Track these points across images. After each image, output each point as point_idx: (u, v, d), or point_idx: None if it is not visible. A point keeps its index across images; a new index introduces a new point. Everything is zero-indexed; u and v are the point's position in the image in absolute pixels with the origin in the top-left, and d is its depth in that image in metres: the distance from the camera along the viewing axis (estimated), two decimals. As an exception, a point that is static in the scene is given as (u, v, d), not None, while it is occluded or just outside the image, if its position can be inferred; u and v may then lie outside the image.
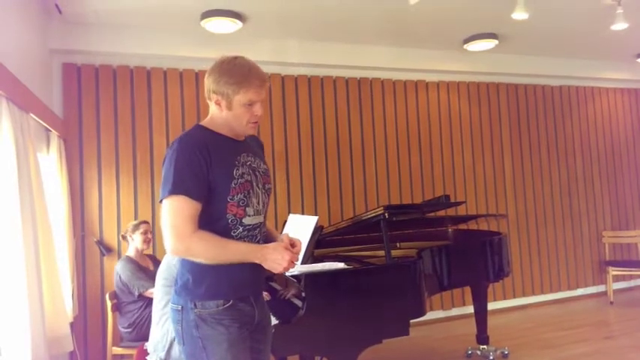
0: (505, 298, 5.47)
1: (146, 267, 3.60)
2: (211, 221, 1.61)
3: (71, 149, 4.06)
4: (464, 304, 5.20)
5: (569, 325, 4.67)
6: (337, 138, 4.94)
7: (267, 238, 1.81)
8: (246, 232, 1.67)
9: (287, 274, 2.51)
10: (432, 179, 5.27)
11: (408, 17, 4.26)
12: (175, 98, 4.41)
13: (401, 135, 5.18)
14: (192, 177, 1.55)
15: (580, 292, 5.85)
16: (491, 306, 5.27)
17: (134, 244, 3.60)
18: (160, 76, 4.37)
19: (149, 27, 4.18)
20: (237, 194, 1.63)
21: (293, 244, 1.68)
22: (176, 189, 1.54)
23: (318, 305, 2.33)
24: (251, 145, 1.81)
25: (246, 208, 1.66)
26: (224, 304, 1.62)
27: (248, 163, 1.70)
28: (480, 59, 5.32)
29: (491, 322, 4.10)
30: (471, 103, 5.52)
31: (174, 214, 1.54)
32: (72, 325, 3.68)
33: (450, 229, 4.30)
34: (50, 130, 3.61)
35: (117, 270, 3.49)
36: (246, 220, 1.67)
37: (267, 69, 4.65)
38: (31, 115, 2.95)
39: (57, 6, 3.67)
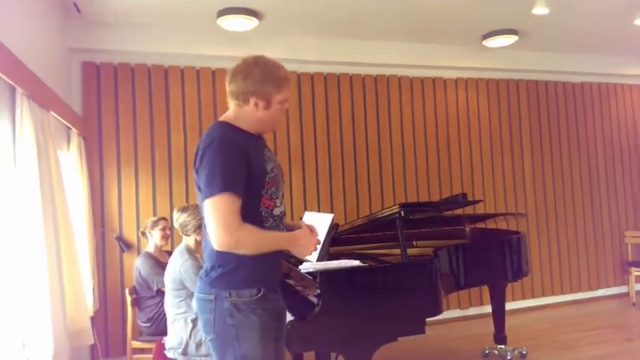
0: (524, 298, 5.39)
1: (165, 263, 3.62)
2: (248, 215, 1.66)
3: (91, 147, 4.13)
4: (481, 304, 5.15)
5: (589, 327, 4.58)
6: (354, 135, 4.92)
7: (287, 227, 1.92)
8: (274, 223, 1.79)
9: (303, 270, 2.52)
10: (450, 178, 5.21)
11: (425, 13, 4.22)
12: (192, 96, 4.44)
13: (418, 133, 5.14)
14: (236, 175, 1.63)
15: (601, 292, 5.73)
16: (510, 306, 5.21)
17: (153, 240, 3.65)
18: (177, 75, 4.41)
19: (166, 25, 4.22)
20: (270, 187, 1.75)
21: (311, 230, 1.82)
22: (225, 186, 1.59)
23: (334, 302, 2.33)
24: (264, 143, 1.88)
25: (276, 200, 1.78)
26: (257, 294, 1.71)
27: (271, 157, 1.81)
28: (499, 55, 5.25)
29: (510, 322, 4.04)
30: (490, 101, 5.45)
31: (224, 209, 1.58)
32: (93, 319, 3.75)
33: (468, 228, 4.25)
34: (70, 128, 3.67)
35: (136, 265, 3.54)
36: (275, 211, 1.79)
37: (283, 66, 4.69)
38: (52, 113, 3.00)
39: (76, 5, 3.73)
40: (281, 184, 1.83)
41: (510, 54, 5.26)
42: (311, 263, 2.54)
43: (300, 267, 2.54)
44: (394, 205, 2.71)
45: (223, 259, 1.70)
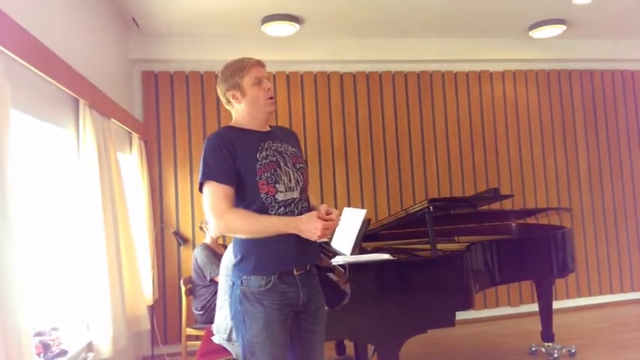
0: (580, 296, 5.20)
1: (221, 255, 3.88)
2: (249, 203, 1.82)
3: (151, 149, 4.48)
4: (533, 301, 5.00)
5: (649, 327, 4.37)
6: (396, 133, 4.95)
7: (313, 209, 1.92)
8: (283, 209, 1.83)
9: (334, 263, 2.64)
10: (498, 175, 5.11)
11: (468, 6, 4.18)
12: (241, 99, 4.68)
13: (463, 129, 5.09)
14: (217, 165, 1.79)
15: (665, 292, 5.41)
16: (565, 304, 5.08)
17: (209, 234, 3.92)
18: (227, 79, 4.66)
19: (215, 34, 4.49)
20: (264, 173, 1.82)
21: (328, 213, 1.79)
22: (204, 176, 1.80)
23: (363, 294, 2.44)
24: (279, 135, 1.99)
25: (276, 185, 1.83)
26: (266, 285, 1.80)
27: (273, 148, 1.90)
28: (547, 46, 5.07)
29: (563, 320, 3.95)
30: (540, 93, 5.28)
31: (209, 196, 1.79)
32: (152, 307, 4.10)
33: (514, 224, 4.19)
34: (132, 133, 4.02)
35: (195, 254, 3.82)
36: (280, 197, 1.83)
37: (325, 68, 4.86)
38: (112, 120, 3.33)
39: (134, 20, 4.08)
40: (285, 170, 1.85)
41: (560, 44, 5.06)
42: (343, 257, 2.66)
43: (333, 260, 2.66)
44: (424, 201, 2.77)
45: (237, 246, 1.87)
